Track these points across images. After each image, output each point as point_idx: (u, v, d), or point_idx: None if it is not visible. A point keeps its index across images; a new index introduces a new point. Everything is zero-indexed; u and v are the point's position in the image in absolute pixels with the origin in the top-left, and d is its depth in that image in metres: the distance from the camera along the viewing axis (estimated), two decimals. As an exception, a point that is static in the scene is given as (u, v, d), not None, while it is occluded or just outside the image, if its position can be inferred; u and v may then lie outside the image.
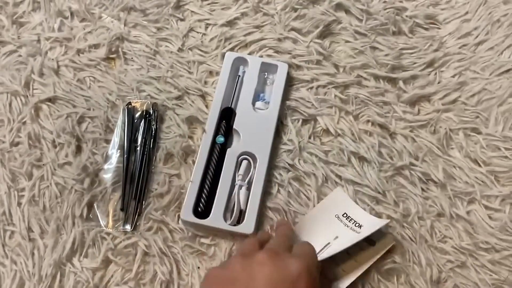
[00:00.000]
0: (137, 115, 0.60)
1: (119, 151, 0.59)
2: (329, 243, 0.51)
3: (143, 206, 0.56)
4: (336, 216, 0.53)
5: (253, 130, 0.58)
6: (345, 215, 0.53)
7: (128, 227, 0.55)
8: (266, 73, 0.63)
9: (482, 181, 0.56)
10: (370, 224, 0.51)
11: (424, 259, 0.54)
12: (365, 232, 0.50)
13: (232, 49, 0.64)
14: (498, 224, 0.55)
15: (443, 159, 0.58)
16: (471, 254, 0.54)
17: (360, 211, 0.54)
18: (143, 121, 0.60)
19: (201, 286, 0.47)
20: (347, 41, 0.64)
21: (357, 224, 0.52)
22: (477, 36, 0.62)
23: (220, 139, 0.58)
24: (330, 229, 0.52)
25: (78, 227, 0.56)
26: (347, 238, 0.50)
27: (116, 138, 0.59)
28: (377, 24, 0.64)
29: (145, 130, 0.59)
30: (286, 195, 0.56)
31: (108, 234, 0.55)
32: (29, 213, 0.56)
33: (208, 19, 0.66)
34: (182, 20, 0.66)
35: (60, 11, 0.66)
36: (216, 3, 0.67)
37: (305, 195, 0.57)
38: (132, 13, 0.66)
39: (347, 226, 0.52)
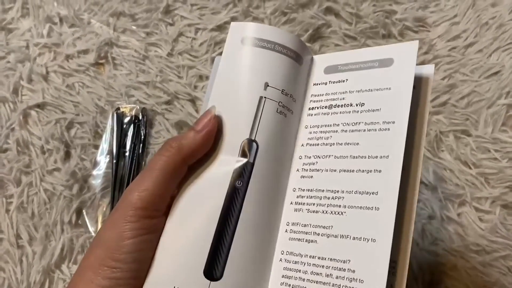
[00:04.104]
0: (126, 120, 0.60)
1: (108, 156, 0.59)
2: None
3: (133, 212, 0.56)
4: None
5: None
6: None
7: (117, 233, 0.55)
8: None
9: (473, 183, 0.56)
10: None
11: (416, 262, 0.54)
12: None
13: (222, 54, 0.64)
14: (488, 226, 0.54)
15: (433, 161, 0.58)
16: (462, 256, 0.54)
17: None
18: (132, 126, 0.60)
19: None
20: (337, 45, 0.64)
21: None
22: (466, 39, 0.63)
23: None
24: None
25: (67, 234, 0.55)
26: None
27: (105, 144, 0.59)
28: (366, 27, 0.64)
29: (134, 135, 0.59)
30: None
31: (97, 240, 0.55)
32: (18, 220, 0.56)
33: (197, 24, 0.66)
34: (171, 25, 0.66)
35: (49, 17, 0.65)
36: (206, 7, 0.67)
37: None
38: (121, 18, 0.66)
39: None
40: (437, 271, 0.53)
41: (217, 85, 0.37)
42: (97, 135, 0.60)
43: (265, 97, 0.36)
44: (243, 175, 0.34)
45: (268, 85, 0.36)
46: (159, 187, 0.32)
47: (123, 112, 0.60)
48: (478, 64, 0.61)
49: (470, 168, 0.57)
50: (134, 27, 0.65)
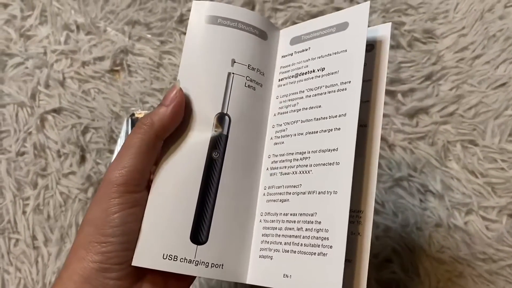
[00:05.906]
0: (141, 126, 0.61)
1: (122, 161, 0.60)
2: None
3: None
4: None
5: None
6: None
7: (130, 236, 0.56)
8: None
9: (480, 192, 0.57)
10: None
11: (423, 269, 0.54)
12: None
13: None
14: (495, 234, 0.55)
15: (441, 170, 0.59)
16: (468, 264, 0.55)
17: None
18: (146, 132, 0.61)
19: None
20: (346, 55, 0.65)
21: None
22: (473, 51, 0.64)
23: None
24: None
25: (82, 236, 0.56)
26: None
27: (119, 148, 0.60)
28: (376, 38, 0.65)
29: (148, 141, 0.61)
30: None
31: (111, 242, 0.56)
32: (34, 222, 0.57)
33: (210, 33, 0.67)
34: (185, 33, 0.67)
35: (66, 25, 0.67)
36: (219, 17, 0.68)
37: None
38: (137, 26, 0.68)
39: None
40: (444, 278, 0.54)
41: (184, 64, 0.38)
42: (112, 140, 0.61)
43: (233, 73, 0.38)
44: (218, 146, 0.37)
45: (235, 62, 0.38)
46: (137, 163, 0.33)
47: (137, 118, 0.62)
48: (485, 76, 0.62)
49: (477, 177, 0.58)
50: (149, 36, 0.67)
